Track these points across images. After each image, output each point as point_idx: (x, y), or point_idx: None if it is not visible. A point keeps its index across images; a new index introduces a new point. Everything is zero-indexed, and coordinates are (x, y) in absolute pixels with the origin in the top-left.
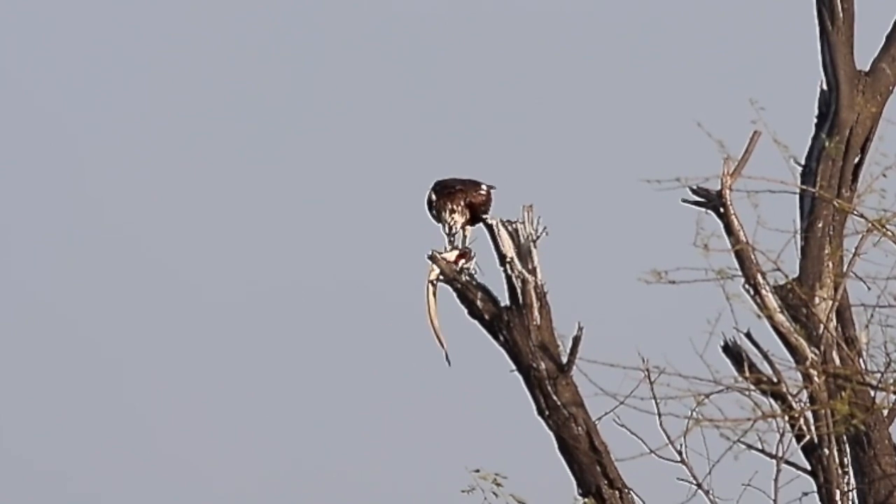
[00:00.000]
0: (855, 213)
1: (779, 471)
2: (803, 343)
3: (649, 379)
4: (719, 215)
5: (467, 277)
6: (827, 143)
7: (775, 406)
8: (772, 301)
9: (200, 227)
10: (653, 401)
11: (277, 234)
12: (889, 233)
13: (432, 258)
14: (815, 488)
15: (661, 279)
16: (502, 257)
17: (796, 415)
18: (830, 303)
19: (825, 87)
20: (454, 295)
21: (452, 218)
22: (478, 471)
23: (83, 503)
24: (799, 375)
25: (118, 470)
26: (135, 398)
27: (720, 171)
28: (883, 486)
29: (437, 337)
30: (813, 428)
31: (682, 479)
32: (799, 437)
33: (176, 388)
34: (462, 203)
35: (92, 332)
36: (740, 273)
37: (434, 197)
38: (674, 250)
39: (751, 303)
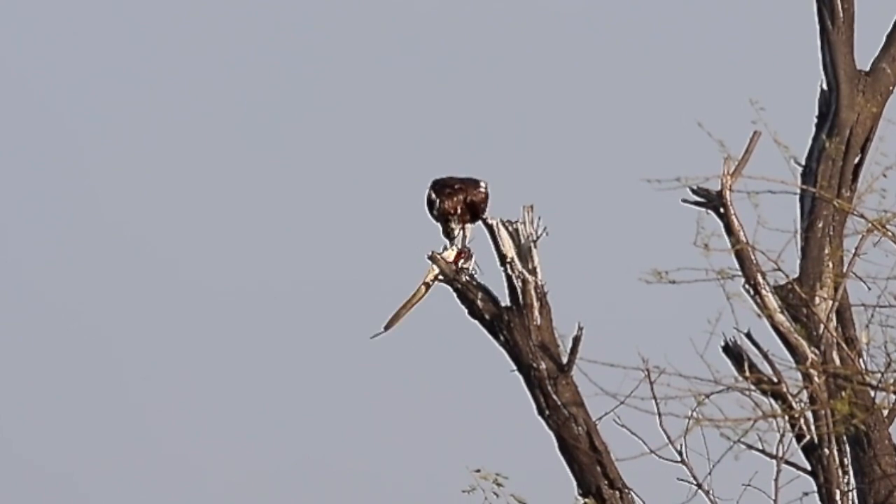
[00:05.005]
0: (855, 213)
1: (779, 471)
2: (803, 343)
3: (649, 379)
4: (719, 215)
5: (467, 278)
6: (827, 143)
7: (775, 406)
8: (772, 301)
9: (201, 226)
10: (653, 401)
11: (277, 233)
12: (889, 233)
13: (432, 258)
14: (815, 488)
15: (661, 279)
16: (503, 257)
17: (796, 415)
18: (830, 303)
19: (825, 87)
20: (454, 295)
21: (457, 226)
22: (478, 471)
23: (83, 502)
24: (799, 375)
25: (119, 468)
26: (136, 396)
27: (720, 171)
28: (883, 486)
29: (394, 318)
30: (813, 428)
31: (683, 479)
32: (799, 437)
33: (177, 386)
34: (462, 204)
35: (92, 330)
36: (740, 273)
37: (434, 196)
38: (674, 250)
39: (751, 303)
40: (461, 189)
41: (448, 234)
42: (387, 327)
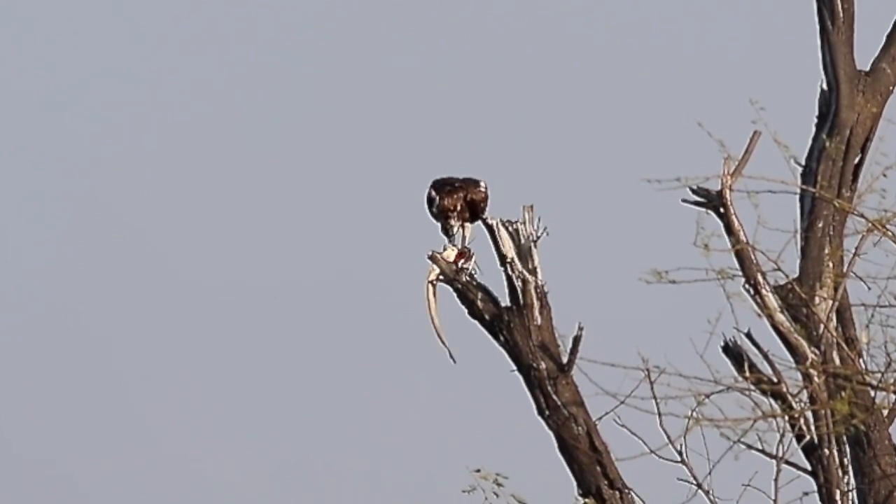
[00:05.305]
0: (855, 213)
1: (779, 471)
2: (803, 343)
3: (649, 379)
4: (719, 215)
5: (467, 278)
6: (827, 143)
7: (775, 406)
8: (772, 301)
9: (201, 226)
10: (653, 401)
11: (277, 232)
12: (889, 233)
13: (432, 258)
14: (815, 488)
15: (661, 279)
16: (503, 257)
17: (796, 415)
18: (830, 303)
19: (825, 87)
20: (454, 295)
21: (457, 224)
22: (478, 471)
23: (83, 502)
24: (799, 375)
25: (119, 468)
26: (136, 396)
27: (720, 171)
28: (883, 486)
29: (439, 336)
30: (813, 428)
31: (682, 479)
32: (799, 437)
33: (176, 386)
34: (462, 202)
35: (92, 329)
36: (740, 273)
37: (434, 194)
38: (674, 250)
39: (751, 303)
40: (461, 187)
41: (447, 232)
42: (451, 354)
